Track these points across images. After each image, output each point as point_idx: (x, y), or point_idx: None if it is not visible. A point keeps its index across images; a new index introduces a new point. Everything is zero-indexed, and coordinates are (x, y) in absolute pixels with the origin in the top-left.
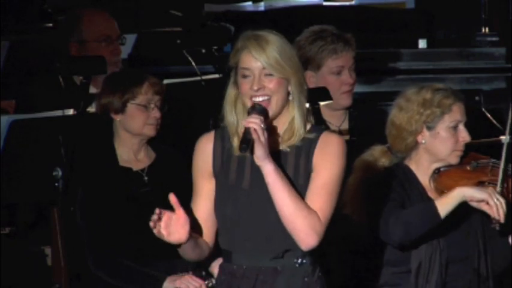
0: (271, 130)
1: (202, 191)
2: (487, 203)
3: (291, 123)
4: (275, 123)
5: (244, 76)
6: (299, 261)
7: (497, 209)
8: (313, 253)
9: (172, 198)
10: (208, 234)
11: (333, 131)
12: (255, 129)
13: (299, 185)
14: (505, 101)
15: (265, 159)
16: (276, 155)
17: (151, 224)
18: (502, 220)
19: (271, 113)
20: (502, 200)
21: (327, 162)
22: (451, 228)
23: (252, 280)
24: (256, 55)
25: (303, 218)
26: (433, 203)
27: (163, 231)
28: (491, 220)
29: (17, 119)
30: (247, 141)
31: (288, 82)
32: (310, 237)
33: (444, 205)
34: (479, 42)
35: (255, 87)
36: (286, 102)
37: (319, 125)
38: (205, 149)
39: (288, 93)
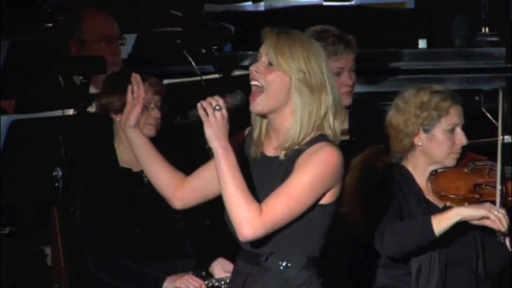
0: (276, 137)
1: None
2: (488, 218)
3: (291, 129)
4: (278, 129)
5: (257, 60)
6: (284, 263)
7: (500, 222)
8: (304, 259)
9: (142, 94)
10: (188, 189)
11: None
12: (202, 107)
13: None
14: (505, 101)
15: (213, 141)
16: (273, 160)
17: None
18: (505, 229)
19: (260, 106)
20: (502, 211)
21: (303, 168)
22: (451, 230)
23: (243, 277)
24: (267, 43)
25: (239, 208)
26: (430, 220)
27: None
28: (496, 233)
29: (17, 119)
30: (183, 115)
31: (290, 82)
32: (243, 229)
33: (440, 223)
34: (479, 42)
35: (251, 68)
36: (283, 102)
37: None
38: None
39: (290, 96)
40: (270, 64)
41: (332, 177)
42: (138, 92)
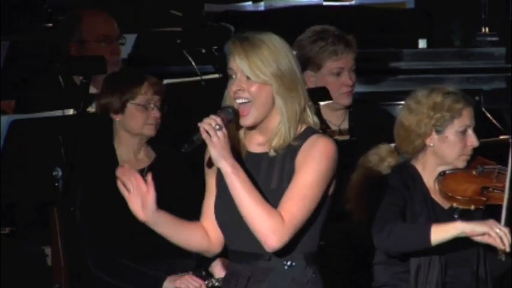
0: (260, 134)
1: (211, 189)
2: (490, 235)
3: (278, 127)
4: (264, 127)
5: (231, 77)
6: (288, 263)
7: (501, 239)
8: (306, 255)
9: (149, 179)
10: (213, 228)
11: (326, 134)
12: (205, 130)
13: (282, 190)
14: (505, 101)
15: (220, 161)
16: (262, 157)
17: (118, 173)
18: (508, 249)
19: (252, 119)
20: (505, 229)
21: (306, 165)
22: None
23: (245, 279)
24: (237, 59)
25: (262, 220)
26: (429, 229)
27: (130, 196)
28: (498, 251)
29: (17, 119)
30: (189, 142)
31: (271, 88)
32: (269, 239)
33: (439, 234)
34: (479, 42)
35: (234, 89)
36: (271, 106)
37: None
38: None
39: (274, 100)
40: (248, 78)
41: (333, 168)
42: (137, 185)
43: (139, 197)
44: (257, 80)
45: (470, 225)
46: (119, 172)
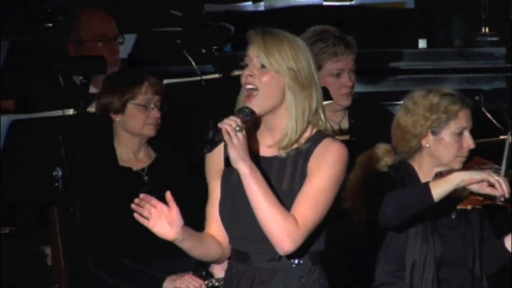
0: (270, 133)
1: (216, 192)
2: (488, 184)
3: (288, 127)
4: (273, 126)
5: (246, 65)
6: (296, 261)
7: (500, 185)
8: (313, 254)
9: (168, 196)
10: (223, 235)
11: (336, 137)
12: (226, 131)
13: (294, 191)
14: (505, 101)
15: (238, 162)
16: (273, 160)
17: (133, 206)
18: (507, 194)
19: (257, 108)
20: (501, 178)
21: (320, 170)
22: (450, 230)
23: (249, 280)
24: (256, 45)
25: (277, 223)
26: (428, 185)
27: (151, 222)
28: (496, 199)
29: (17, 119)
30: (211, 143)
31: (284, 81)
32: (283, 243)
33: (439, 188)
34: (479, 42)
35: (246, 73)
36: (279, 102)
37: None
38: (216, 150)
39: (284, 95)
40: (263, 66)
41: (345, 172)
42: (158, 209)
43: (162, 219)
44: (271, 68)
45: (468, 173)
46: (133, 206)
